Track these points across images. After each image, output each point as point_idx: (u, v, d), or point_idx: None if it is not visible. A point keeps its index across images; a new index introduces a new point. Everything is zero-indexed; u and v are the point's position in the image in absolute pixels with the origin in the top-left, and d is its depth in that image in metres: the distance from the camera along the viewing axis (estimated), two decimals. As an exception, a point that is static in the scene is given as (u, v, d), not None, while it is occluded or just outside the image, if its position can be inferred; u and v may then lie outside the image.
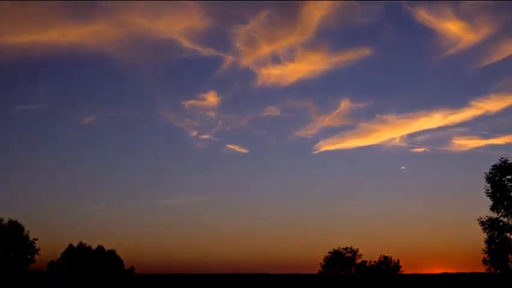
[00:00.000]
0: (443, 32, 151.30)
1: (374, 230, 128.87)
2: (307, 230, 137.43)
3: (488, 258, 35.93)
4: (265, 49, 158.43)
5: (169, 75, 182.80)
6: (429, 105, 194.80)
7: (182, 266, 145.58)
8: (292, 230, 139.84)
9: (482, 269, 36.83)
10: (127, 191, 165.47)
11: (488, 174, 36.41)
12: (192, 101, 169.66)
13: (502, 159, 36.19)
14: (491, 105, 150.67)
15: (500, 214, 35.74)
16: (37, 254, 61.00)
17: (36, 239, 60.54)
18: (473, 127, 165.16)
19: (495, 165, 36.29)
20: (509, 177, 35.77)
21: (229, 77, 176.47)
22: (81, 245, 72.02)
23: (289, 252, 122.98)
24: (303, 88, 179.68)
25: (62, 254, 70.92)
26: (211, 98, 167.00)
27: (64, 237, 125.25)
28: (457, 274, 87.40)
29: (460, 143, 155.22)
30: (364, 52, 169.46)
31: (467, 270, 77.10)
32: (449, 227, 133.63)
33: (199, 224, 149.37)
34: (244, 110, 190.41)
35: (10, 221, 59.20)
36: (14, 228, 58.95)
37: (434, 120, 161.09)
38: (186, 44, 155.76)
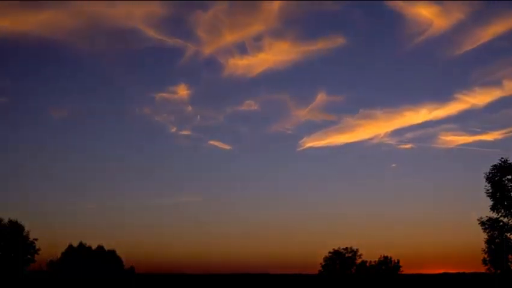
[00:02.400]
0: (418, 18, 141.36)
1: (374, 230, 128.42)
2: (306, 230, 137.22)
3: (488, 259, 35.97)
4: (229, 38, 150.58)
5: (134, 66, 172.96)
6: (412, 98, 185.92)
7: (182, 265, 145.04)
8: (292, 230, 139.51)
9: (482, 269, 36.95)
10: (121, 190, 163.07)
11: (488, 174, 36.45)
12: (163, 94, 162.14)
13: (502, 159, 36.25)
14: (477, 98, 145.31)
15: (500, 214, 35.79)
16: (37, 254, 61.23)
17: (36, 239, 60.65)
18: (460, 122, 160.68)
19: (495, 165, 36.35)
20: (509, 177, 35.82)
21: (197, 68, 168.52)
22: (81, 245, 72.05)
23: (289, 252, 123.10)
24: (276, 80, 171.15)
25: (62, 254, 70.95)
26: (182, 91, 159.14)
27: (64, 237, 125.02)
28: (457, 274, 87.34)
29: (448, 139, 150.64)
30: (337, 41, 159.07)
31: (467, 270, 77.15)
32: (449, 227, 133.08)
33: (198, 223, 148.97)
34: (219, 104, 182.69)
35: (10, 221, 59.29)
36: (14, 228, 58.99)
37: (420, 115, 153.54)
38: (149, 32, 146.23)
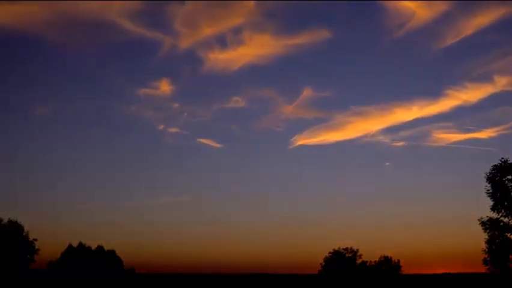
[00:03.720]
0: (401, 9, 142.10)
1: (374, 230, 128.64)
2: (306, 230, 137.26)
3: (488, 259, 35.90)
4: (208, 31, 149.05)
5: (113, 61, 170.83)
6: (402, 94, 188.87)
7: (182, 265, 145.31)
8: (292, 230, 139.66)
9: (482, 269, 36.85)
10: (120, 190, 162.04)
11: (488, 174, 36.41)
12: (146, 90, 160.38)
13: (502, 159, 36.22)
14: (469, 94, 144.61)
15: (500, 214, 35.72)
16: (37, 254, 61.19)
17: (36, 239, 60.68)
18: (453, 119, 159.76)
19: (495, 165, 36.31)
20: (509, 177, 35.74)
21: (177, 63, 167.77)
22: (81, 245, 71.96)
23: (289, 252, 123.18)
24: (260, 75, 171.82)
25: (62, 254, 70.86)
26: (165, 87, 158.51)
27: (64, 237, 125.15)
28: (457, 274, 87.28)
29: (441, 136, 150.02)
30: (322, 34, 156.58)
31: (467, 270, 77.06)
32: (449, 227, 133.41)
33: (198, 223, 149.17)
34: (205, 101, 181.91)
35: (10, 221, 59.23)
36: (14, 228, 58.94)
37: (412, 112, 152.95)
38: (126, 25, 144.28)
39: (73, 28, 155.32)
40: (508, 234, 35.49)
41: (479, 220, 36.28)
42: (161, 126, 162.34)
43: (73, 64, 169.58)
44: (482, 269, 36.86)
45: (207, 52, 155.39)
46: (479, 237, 36.72)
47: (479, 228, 36.33)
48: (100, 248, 73.39)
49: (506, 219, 35.58)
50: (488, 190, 36.16)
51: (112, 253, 74.59)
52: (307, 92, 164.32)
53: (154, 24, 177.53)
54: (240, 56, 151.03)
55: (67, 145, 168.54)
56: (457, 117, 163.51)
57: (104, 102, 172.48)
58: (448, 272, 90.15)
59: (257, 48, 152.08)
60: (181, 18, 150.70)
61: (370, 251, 71.19)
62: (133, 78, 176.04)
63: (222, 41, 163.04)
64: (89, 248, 72.42)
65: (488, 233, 35.92)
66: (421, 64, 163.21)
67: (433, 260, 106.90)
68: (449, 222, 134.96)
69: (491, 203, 36.08)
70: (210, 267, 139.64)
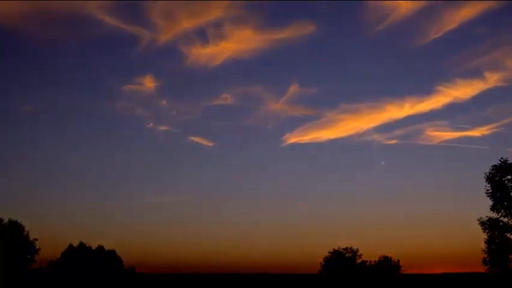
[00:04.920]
0: (385, 2, 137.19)
1: (374, 230, 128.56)
2: (306, 230, 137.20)
3: (488, 259, 35.97)
4: (186, 24, 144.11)
5: (95, 56, 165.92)
6: (392, 91, 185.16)
7: (182, 265, 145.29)
8: (292, 230, 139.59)
9: (482, 269, 36.92)
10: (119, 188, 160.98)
11: (488, 174, 36.47)
12: (131, 86, 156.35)
13: (502, 159, 36.28)
14: (460, 91, 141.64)
15: (500, 214, 35.79)
16: (37, 254, 61.26)
17: (36, 239, 60.76)
18: (446, 117, 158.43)
19: (495, 165, 36.38)
20: (509, 177, 35.82)
21: (160, 58, 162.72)
22: (81, 245, 72.00)
23: (289, 252, 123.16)
24: (245, 71, 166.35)
25: (62, 254, 70.90)
26: (149, 83, 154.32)
27: (64, 237, 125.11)
28: (457, 274, 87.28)
29: (434, 134, 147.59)
30: (307, 28, 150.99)
31: (467, 270, 77.08)
32: (449, 226, 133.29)
33: (198, 223, 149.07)
34: (193, 97, 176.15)
35: (10, 221, 59.29)
36: (15, 228, 59.00)
37: (404, 109, 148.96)
38: (105, 19, 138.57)
39: (50, 22, 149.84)
40: (508, 234, 35.58)
41: (478, 220, 36.38)
42: (151, 124, 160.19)
43: (52, 59, 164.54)
44: (482, 269, 36.97)
45: (189, 47, 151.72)
46: (479, 237, 36.87)
47: (479, 228, 36.45)
48: (100, 248, 73.43)
49: (505, 219, 35.68)
50: (488, 190, 36.24)
51: (112, 253, 74.63)
52: (294, 88, 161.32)
53: (132, 17, 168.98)
54: (222, 50, 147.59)
55: (65, 145, 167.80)
56: (450, 115, 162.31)
57: (90, 100, 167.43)
58: (448, 272, 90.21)
59: (240, 42, 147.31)
60: (159, 11, 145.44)
61: (370, 251, 71.16)
62: (116, 73, 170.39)
63: (202, 36, 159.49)
64: (89, 248, 72.46)
65: (487, 233, 36.00)
66: (408, 60, 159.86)
67: (433, 260, 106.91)
68: (448, 222, 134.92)
69: (491, 202, 36.17)
70: (210, 267, 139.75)
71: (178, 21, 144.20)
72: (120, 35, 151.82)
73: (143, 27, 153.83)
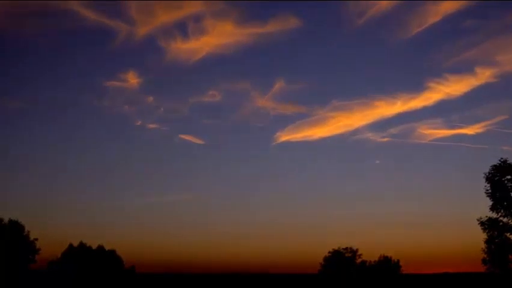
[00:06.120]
0: None
1: (373, 230, 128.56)
2: (306, 230, 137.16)
3: (487, 258, 35.98)
4: (165, 18, 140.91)
5: (75, 51, 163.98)
6: (381, 87, 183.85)
7: (182, 265, 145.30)
8: (292, 229, 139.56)
9: (482, 269, 36.92)
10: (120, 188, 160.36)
11: (487, 174, 36.49)
12: (114, 82, 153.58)
13: (502, 159, 36.32)
14: (451, 87, 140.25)
15: (500, 214, 35.80)
16: (37, 254, 61.25)
17: (36, 239, 60.73)
18: (438, 114, 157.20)
19: (495, 165, 36.39)
20: (509, 177, 35.83)
21: (140, 53, 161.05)
22: (81, 244, 72.02)
23: (289, 252, 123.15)
24: (231, 67, 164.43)
25: (62, 254, 70.92)
26: (132, 79, 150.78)
27: (64, 237, 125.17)
28: (457, 274, 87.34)
29: (427, 132, 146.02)
30: (290, 22, 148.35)
31: (466, 270, 77.12)
32: (449, 226, 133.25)
33: (198, 223, 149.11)
34: (179, 94, 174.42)
35: (11, 221, 59.31)
36: (15, 228, 59.01)
37: (395, 106, 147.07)
38: (85, 13, 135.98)
39: (27, 16, 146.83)
40: (507, 234, 35.57)
41: (478, 220, 36.38)
42: (139, 122, 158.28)
43: (32, 54, 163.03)
44: (482, 269, 36.97)
45: (168, 41, 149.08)
46: (479, 237, 36.88)
47: (479, 227, 36.45)
48: (100, 248, 73.45)
49: (505, 219, 35.68)
50: (488, 190, 36.25)
51: (112, 253, 74.64)
52: (280, 84, 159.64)
53: (110, 10, 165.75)
54: (203, 45, 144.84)
55: (64, 144, 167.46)
56: (442, 112, 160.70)
57: (77, 96, 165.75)
58: (448, 272, 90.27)
59: (221, 37, 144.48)
60: (136, 4, 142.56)
61: (370, 251, 71.21)
62: (97, 69, 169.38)
63: (182, 30, 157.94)
64: (89, 248, 72.49)
65: (487, 232, 36.01)
66: (394, 55, 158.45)
67: (433, 259, 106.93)
68: (448, 222, 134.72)
69: (490, 202, 36.18)
70: (210, 267, 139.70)
71: (156, 14, 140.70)
72: (98, 28, 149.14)
73: (121, 21, 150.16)
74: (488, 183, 36.31)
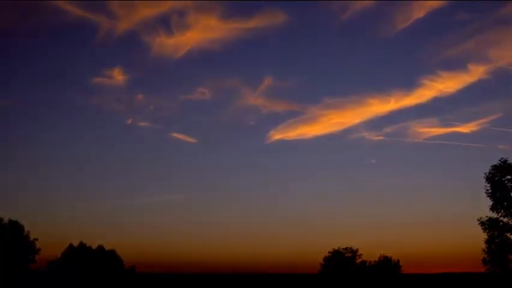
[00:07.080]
0: None
1: (373, 230, 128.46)
2: (306, 230, 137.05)
3: (488, 258, 35.99)
4: (147, 12, 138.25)
5: (56, 46, 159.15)
6: (372, 84, 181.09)
7: (183, 265, 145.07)
8: (292, 229, 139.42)
9: (482, 269, 36.94)
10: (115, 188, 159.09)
11: (488, 174, 36.51)
12: (100, 79, 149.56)
13: (502, 159, 36.34)
14: (445, 84, 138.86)
15: (500, 214, 35.81)
16: (37, 254, 61.23)
17: (36, 239, 60.71)
18: (432, 112, 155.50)
19: (495, 165, 36.42)
20: (509, 177, 35.85)
21: (124, 49, 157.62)
22: (81, 244, 71.98)
23: (289, 252, 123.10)
24: (218, 62, 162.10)
25: (62, 254, 70.89)
26: (118, 76, 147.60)
27: (64, 237, 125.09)
28: (457, 274, 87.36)
29: (422, 131, 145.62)
30: (277, 17, 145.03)
31: (466, 270, 77.15)
32: (449, 226, 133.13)
33: (198, 223, 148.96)
34: (168, 92, 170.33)
35: (10, 221, 59.28)
36: (15, 228, 59.00)
37: (389, 104, 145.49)
38: (66, 7, 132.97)
39: (8, 11, 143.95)
40: (508, 234, 35.60)
41: (478, 220, 36.39)
42: (130, 120, 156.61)
43: (14, 49, 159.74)
44: (482, 269, 36.99)
45: (152, 36, 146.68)
46: (479, 237, 36.88)
47: (479, 227, 36.46)
48: (100, 248, 73.40)
49: (505, 219, 35.70)
50: (488, 190, 36.26)
51: (112, 253, 74.59)
52: (268, 81, 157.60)
53: (91, 4, 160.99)
54: (187, 40, 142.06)
55: (61, 144, 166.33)
56: (436, 110, 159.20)
57: (59, 95, 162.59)
58: (448, 272, 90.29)
59: (205, 31, 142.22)
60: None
61: (370, 251, 71.22)
62: (81, 65, 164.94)
63: (165, 24, 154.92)
64: (89, 247, 72.45)
65: (487, 232, 36.02)
66: (383, 50, 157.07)
67: (433, 259, 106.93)
68: (448, 222, 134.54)
69: (491, 202, 36.19)
70: (210, 267, 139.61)
71: (138, 8, 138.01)
72: (81, 23, 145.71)
73: (104, 15, 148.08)
74: (488, 183, 36.33)
